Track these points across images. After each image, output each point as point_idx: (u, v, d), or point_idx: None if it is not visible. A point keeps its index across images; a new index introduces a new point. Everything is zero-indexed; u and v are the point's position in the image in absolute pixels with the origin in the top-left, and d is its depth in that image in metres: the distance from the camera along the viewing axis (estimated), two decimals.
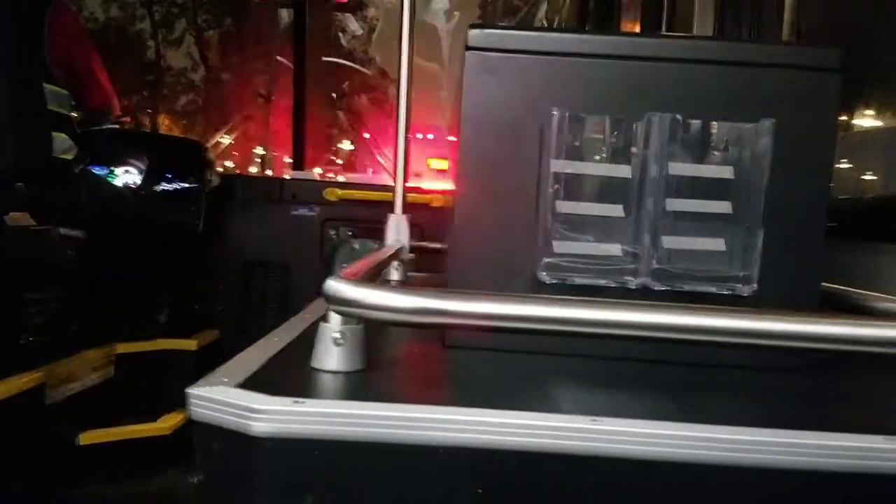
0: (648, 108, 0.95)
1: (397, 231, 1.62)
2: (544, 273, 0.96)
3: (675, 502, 0.68)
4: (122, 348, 2.65)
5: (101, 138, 2.88)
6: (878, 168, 2.10)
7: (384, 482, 0.67)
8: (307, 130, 4.53)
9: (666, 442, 0.67)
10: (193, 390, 0.69)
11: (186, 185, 3.22)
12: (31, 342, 2.23)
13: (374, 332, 0.84)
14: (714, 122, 0.95)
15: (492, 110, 0.98)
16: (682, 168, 0.95)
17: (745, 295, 0.96)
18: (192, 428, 0.70)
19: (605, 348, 0.93)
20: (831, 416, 0.85)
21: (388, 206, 1.63)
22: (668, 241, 0.95)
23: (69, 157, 2.55)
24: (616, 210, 0.95)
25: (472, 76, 0.98)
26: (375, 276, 1.03)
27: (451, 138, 1.06)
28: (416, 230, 1.70)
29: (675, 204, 0.95)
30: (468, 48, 0.97)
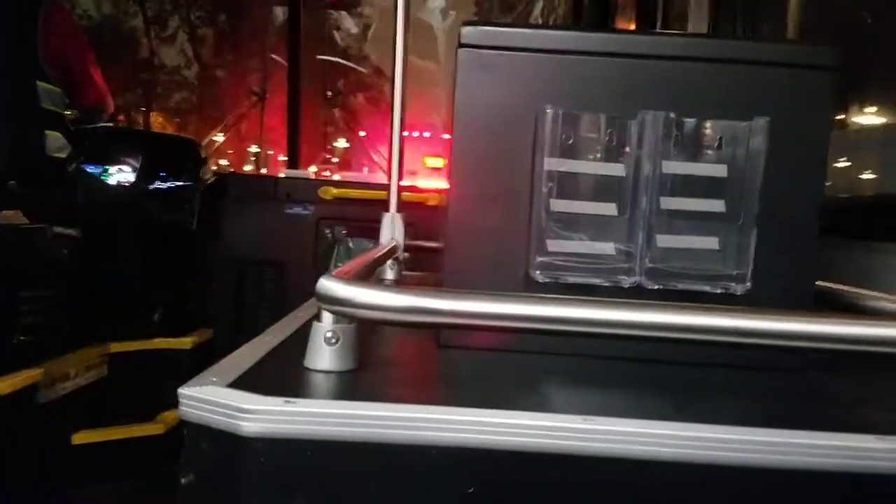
0: (642, 105, 0.95)
1: (392, 230, 1.61)
2: (538, 272, 0.96)
3: (668, 502, 0.68)
4: (116, 347, 2.64)
5: (95, 137, 2.87)
6: (870, 167, 2.10)
7: (376, 482, 0.66)
8: (302, 129, 4.52)
9: (659, 441, 0.66)
10: (184, 390, 0.69)
11: (180, 184, 3.21)
12: (24, 341, 2.22)
13: (368, 332, 0.84)
14: (708, 121, 0.95)
15: (485, 108, 0.97)
16: (675, 166, 0.94)
17: (739, 294, 0.95)
18: (183, 428, 0.69)
19: (599, 347, 0.92)
20: (825, 415, 0.85)
21: (384, 205, 1.63)
22: (662, 240, 0.95)
23: (63, 155, 2.54)
24: (610, 209, 0.95)
25: (465, 73, 0.97)
26: (369, 275, 1.02)
27: (446, 136, 1.05)
28: (411, 229, 1.70)
29: (669, 202, 0.95)
30: (461, 45, 0.97)
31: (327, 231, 3.45)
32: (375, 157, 4.81)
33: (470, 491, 0.67)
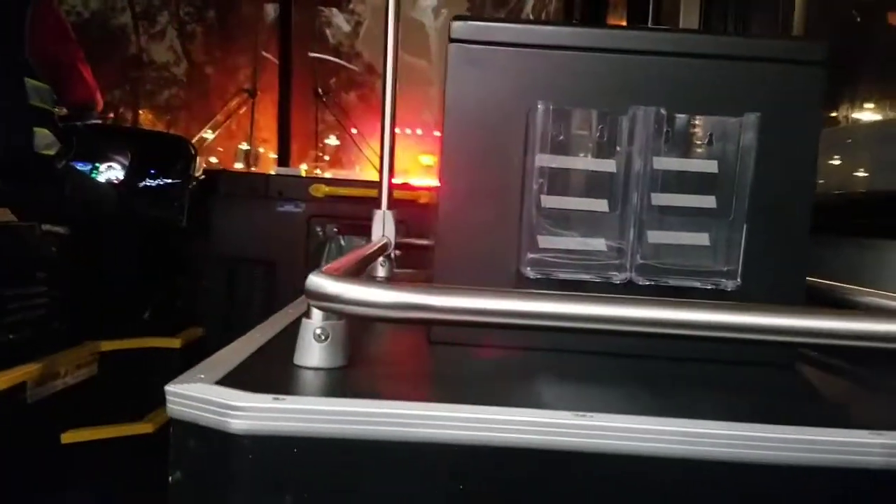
0: (633, 101, 0.94)
1: (383, 227, 1.61)
2: (529, 268, 0.95)
3: (661, 497, 0.68)
4: (106, 346, 2.63)
5: (84, 134, 2.85)
6: (862, 164, 2.11)
7: (365, 480, 0.66)
8: (293, 126, 4.51)
9: (651, 437, 0.66)
10: (171, 387, 0.68)
11: (170, 181, 3.19)
12: (13, 339, 2.20)
13: (358, 329, 0.83)
14: (699, 117, 0.95)
15: (476, 104, 0.97)
16: (666, 162, 0.94)
17: (730, 290, 0.95)
18: (171, 425, 0.68)
19: (590, 343, 0.92)
20: (818, 411, 0.85)
21: (375, 203, 1.62)
22: (653, 236, 0.95)
23: (51, 152, 2.52)
24: (601, 205, 0.95)
25: (456, 69, 0.97)
26: (360, 272, 1.02)
27: (438, 133, 1.05)
28: (403, 226, 1.69)
29: (660, 198, 0.95)
30: (451, 40, 0.96)
31: (318, 229, 3.44)
32: (367, 154, 4.79)
33: (461, 488, 0.66)
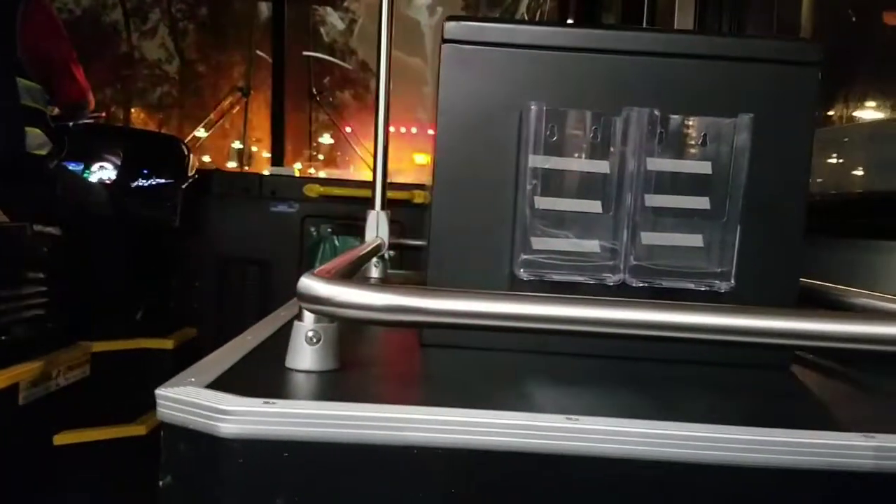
0: (627, 102, 0.94)
1: (377, 227, 1.60)
2: (522, 269, 0.95)
3: (652, 501, 0.67)
4: (99, 347, 2.62)
5: (76, 133, 2.84)
6: (857, 165, 2.11)
7: (356, 483, 0.66)
8: (287, 126, 4.50)
9: (643, 440, 0.66)
10: (162, 391, 0.68)
11: (163, 181, 3.18)
12: (4, 341, 2.19)
13: (351, 331, 0.83)
14: (693, 117, 0.95)
15: (469, 104, 0.96)
16: (660, 163, 0.94)
17: (723, 291, 0.95)
18: (161, 429, 0.68)
19: (583, 346, 0.92)
20: (811, 413, 0.85)
21: (369, 203, 1.62)
22: (647, 237, 0.95)
23: (43, 152, 2.51)
24: (594, 206, 0.94)
25: (449, 69, 0.96)
26: (353, 274, 1.01)
27: (431, 132, 1.04)
28: (397, 227, 1.69)
29: (654, 200, 0.94)
30: (445, 40, 0.96)
31: (312, 229, 3.43)
32: (361, 153, 4.79)
33: (452, 491, 0.66)
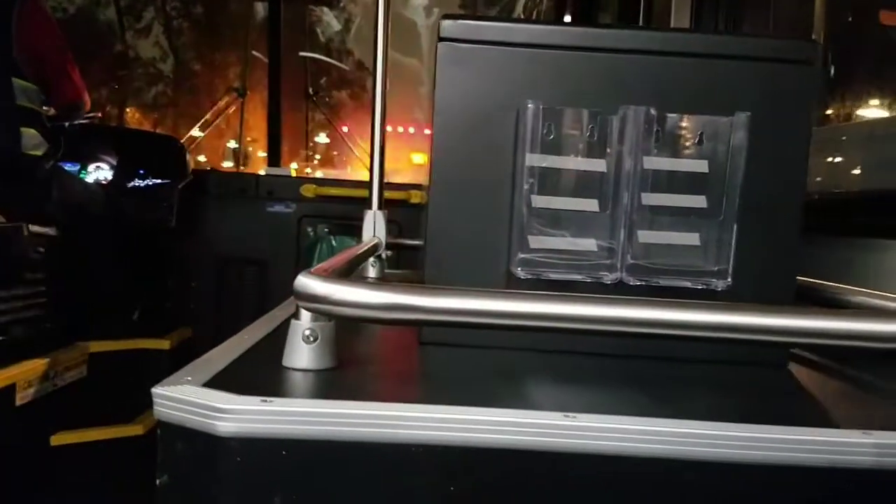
0: (624, 101, 0.94)
1: (374, 227, 1.60)
2: (519, 268, 0.95)
3: (651, 498, 0.67)
4: (96, 347, 2.61)
5: (72, 134, 2.83)
6: (853, 164, 2.12)
7: (354, 482, 0.65)
8: (283, 126, 4.49)
9: (641, 437, 0.66)
10: (158, 390, 0.68)
11: (159, 181, 3.18)
12: (0, 341, 2.19)
13: (348, 330, 0.83)
14: (690, 116, 0.95)
15: (466, 103, 0.96)
16: (657, 162, 0.94)
17: (720, 289, 0.95)
18: (158, 428, 0.68)
19: (580, 344, 0.92)
20: (809, 410, 0.85)
21: (366, 203, 1.62)
22: (644, 236, 0.95)
23: (39, 153, 2.50)
24: (591, 205, 0.94)
25: (445, 68, 0.96)
26: (350, 273, 1.01)
27: (428, 132, 1.04)
28: (395, 226, 1.69)
29: (651, 198, 0.94)
30: (441, 39, 0.96)
31: (309, 229, 3.43)
32: (358, 153, 4.78)
33: (451, 489, 0.66)
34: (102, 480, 2.42)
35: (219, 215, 3.41)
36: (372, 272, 1.57)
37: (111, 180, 3.16)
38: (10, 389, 2.12)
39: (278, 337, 0.84)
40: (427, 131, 1.11)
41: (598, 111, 0.94)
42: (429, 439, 0.65)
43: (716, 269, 0.95)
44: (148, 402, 0.67)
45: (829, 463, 0.66)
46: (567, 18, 3.65)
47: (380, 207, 1.61)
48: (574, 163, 0.95)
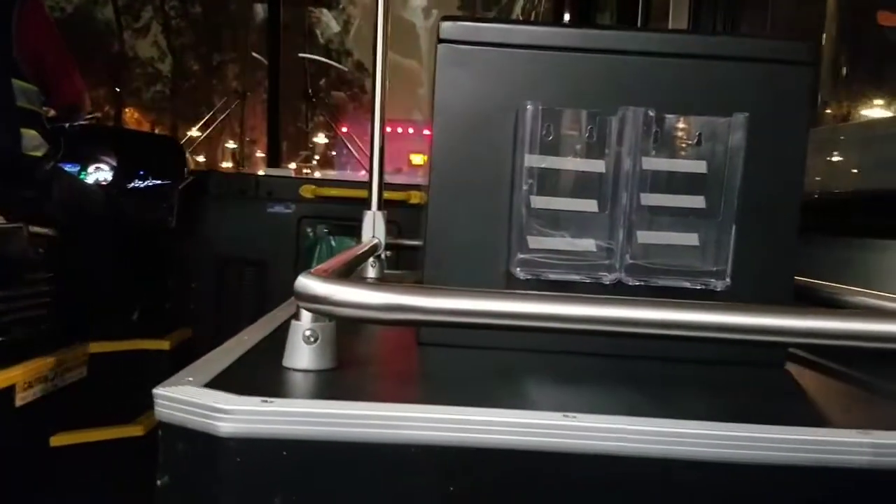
0: (623, 101, 0.94)
1: (373, 227, 1.60)
2: (518, 269, 0.95)
3: (649, 498, 0.68)
4: (96, 348, 2.61)
5: (72, 135, 2.83)
6: (850, 164, 2.12)
7: (354, 482, 0.66)
8: (283, 127, 4.49)
9: (639, 437, 0.66)
10: (159, 390, 0.68)
11: (159, 182, 3.18)
12: (0, 342, 2.19)
13: (349, 330, 0.83)
14: (688, 117, 0.95)
15: (465, 104, 0.97)
16: (655, 163, 0.94)
17: (719, 290, 0.96)
18: (159, 429, 0.68)
19: (579, 344, 0.92)
20: (806, 410, 0.85)
21: (365, 203, 1.62)
22: (643, 236, 0.95)
23: (39, 153, 2.51)
24: (590, 205, 0.95)
25: (445, 69, 0.96)
26: (349, 273, 1.01)
27: (427, 132, 1.05)
28: (394, 227, 1.69)
29: (649, 199, 0.95)
30: (440, 41, 0.96)
31: (309, 230, 3.43)
32: (357, 154, 4.78)
33: (451, 489, 0.66)
34: (102, 481, 2.42)
35: (218, 216, 3.41)
36: (371, 273, 1.57)
37: (111, 181, 3.17)
38: (10, 390, 2.12)
39: (279, 337, 0.84)
40: (426, 132, 1.11)
41: (597, 112, 0.94)
42: (428, 439, 0.65)
43: (714, 269, 0.96)
44: (148, 403, 0.67)
45: (827, 463, 0.66)
46: (566, 20, 3.65)
47: (379, 208, 1.62)
48: (573, 163, 0.95)
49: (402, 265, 2.13)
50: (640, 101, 0.94)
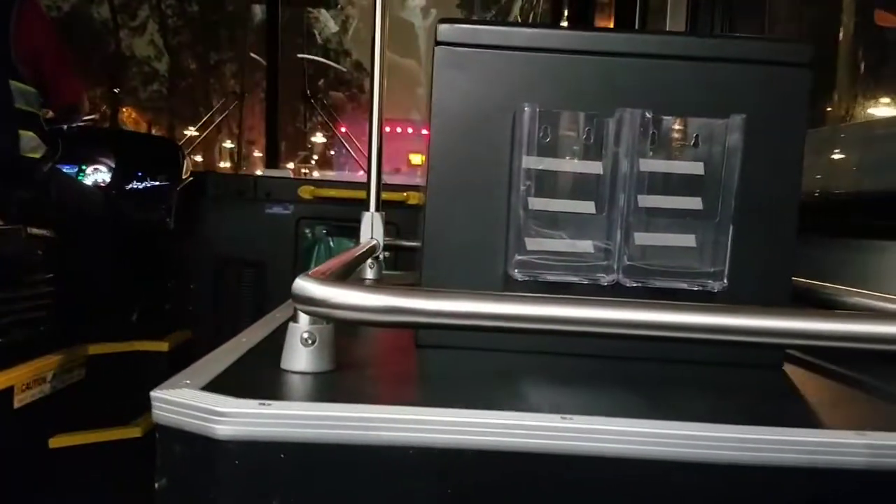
0: (620, 103, 0.94)
1: (371, 229, 1.61)
2: (516, 270, 0.95)
3: (645, 499, 0.68)
4: (94, 349, 2.61)
5: (70, 136, 2.83)
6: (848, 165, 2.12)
7: (352, 484, 0.66)
8: (282, 127, 4.49)
9: (637, 439, 0.66)
10: (157, 393, 0.68)
11: (157, 183, 3.18)
12: None
13: (346, 332, 0.83)
14: (685, 118, 0.95)
15: (462, 106, 0.97)
16: (653, 164, 0.94)
17: (717, 291, 0.96)
18: (157, 431, 0.68)
19: (577, 345, 0.92)
20: (804, 411, 0.85)
21: (364, 204, 1.62)
22: (640, 238, 0.95)
23: (37, 155, 2.51)
24: (588, 207, 0.95)
25: (442, 71, 0.97)
26: (347, 275, 1.01)
27: (426, 132, 1.05)
28: (392, 228, 1.69)
29: (647, 200, 0.95)
30: (438, 43, 0.96)
31: (307, 231, 3.43)
32: (355, 155, 4.78)
33: (448, 491, 0.66)
34: (101, 482, 2.42)
35: (217, 217, 3.41)
36: (370, 274, 1.57)
37: (109, 182, 3.17)
38: (9, 392, 2.12)
39: (276, 340, 0.84)
40: (425, 131, 1.11)
41: (595, 114, 0.94)
42: (426, 441, 0.65)
43: (712, 270, 0.96)
44: (146, 405, 0.67)
45: (824, 464, 0.66)
46: (563, 22, 3.65)
47: (377, 209, 1.62)
48: (570, 165, 0.95)
49: (401, 266, 2.13)
50: (637, 102, 0.94)
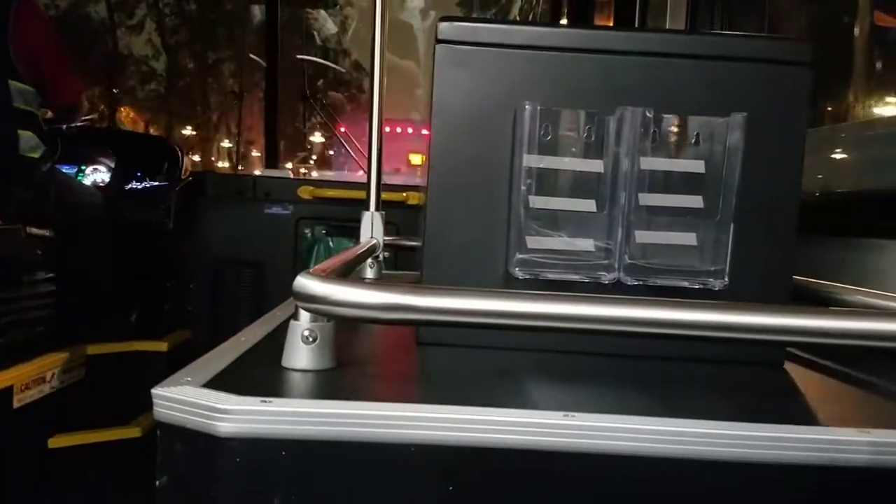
0: (620, 102, 0.94)
1: (371, 228, 1.61)
2: (517, 268, 0.95)
3: (649, 497, 0.68)
4: (93, 350, 2.61)
5: (69, 136, 2.83)
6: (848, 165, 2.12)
7: (354, 482, 0.66)
8: (281, 127, 4.49)
9: (639, 436, 0.66)
10: (158, 390, 0.68)
11: (156, 183, 3.18)
12: None
13: (347, 330, 0.83)
14: (686, 117, 0.95)
15: (463, 104, 0.97)
16: (653, 163, 0.94)
17: (717, 289, 0.96)
18: (157, 429, 0.68)
19: (578, 343, 0.92)
20: (805, 409, 0.85)
21: (364, 204, 1.62)
22: (641, 236, 0.95)
23: (36, 155, 2.50)
24: (589, 205, 0.95)
25: (443, 69, 0.97)
26: (348, 274, 1.01)
27: (426, 132, 1.05)
28: (392, 227, 1.69)
29: (648, 199, 0.95)
30: (438, 41, 0.96)
31: (307, 231, 3.43)
32: (354, 155, 4.77)
33: (450, 489, 0.66)
34: (100, 482, 2.42)
35: (216, 217, 3.40)
36: (370, 273, 1.57)
37: (108, 182, 3.16)
38: (8, 392, 2.11)
39: (277, 337, 0.84)
40: (425, 131, 1.11)
41: (595, 112, 0.95)
42: (427, 439, 0.65)
43: (713, 268, 0.96)
44: (146, 404, 0.67)
45: (826, 461, 0.66)
46: (563, 20, 3.66)
47: (377, 209, 1.62)
48: (571, 163, 0.95)
49: (401, 266, 2.13)
50: (637, 101, 0.94)
